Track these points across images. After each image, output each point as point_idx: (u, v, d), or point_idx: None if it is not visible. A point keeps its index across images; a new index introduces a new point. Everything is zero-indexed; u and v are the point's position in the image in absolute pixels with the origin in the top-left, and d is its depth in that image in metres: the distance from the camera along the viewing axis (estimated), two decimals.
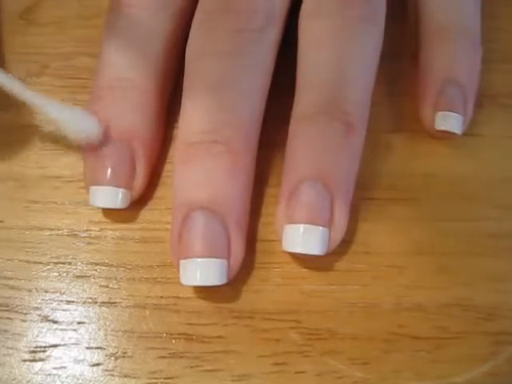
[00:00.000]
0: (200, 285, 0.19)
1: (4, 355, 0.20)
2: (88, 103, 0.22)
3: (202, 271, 0.19)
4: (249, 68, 0.20)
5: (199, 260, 0.19)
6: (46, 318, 0.20)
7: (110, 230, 0.21)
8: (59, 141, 0.23)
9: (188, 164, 0.20)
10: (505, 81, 0.24)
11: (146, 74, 0.21)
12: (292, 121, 0.21)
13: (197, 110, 0.20)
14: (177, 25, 0.22)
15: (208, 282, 0.19)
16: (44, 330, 0.20)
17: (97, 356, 0.20)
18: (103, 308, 0.20)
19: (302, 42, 0.21)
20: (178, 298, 0.20)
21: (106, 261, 0.21)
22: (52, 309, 0.20)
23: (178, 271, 0.19)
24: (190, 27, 0.21)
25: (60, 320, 0.20)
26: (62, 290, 0.21)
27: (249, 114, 0.20)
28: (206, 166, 0.20)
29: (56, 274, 0.21)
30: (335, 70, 0.20)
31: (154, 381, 0.19)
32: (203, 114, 0.20)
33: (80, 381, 0.19)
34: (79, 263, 0.21)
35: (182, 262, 0.19)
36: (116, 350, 0.20)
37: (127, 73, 0.21)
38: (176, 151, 0.21)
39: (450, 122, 0.22)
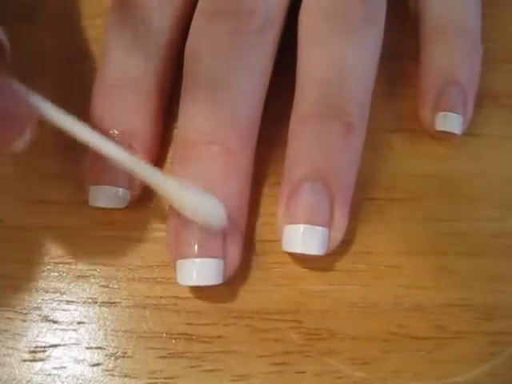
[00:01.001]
0: (196, 285, 0.19)
1: (4, 355, 0.20)
2: (90, 103, 0.22)
3: (198, 271, 0.19)
4: (247, 69, 0.21)
5: (196, 260, 0.19)
6: (45, 318, 0.20)
7: (110, 229, 0.21)
8: (59, 141, 0.23)
9: (185, 164, 0.20)
10: (505, 81, 0.24)
11: (147, 74, 0.21)
12: (292, 121, 0.21)
13: (194, 110, 0.20)
14: (177, 25, 0.22)
15: (204, 282, 0.19)
16: (44, 330, 0.20)
17: (97, 356, 0.20)
18: (103, 308, 0.20)
19: (301, 42, 0.21)
20: (178, 298, 0.20)
21: (106, 261, 0.21)
22: (52, 309, 0.20)
23: (175, 271, 0.19)
24: (189, 28, 0.21)
25: (60, 320, 0.20)
26: (62, 290, 0.21)
27: (246, 115, 0.20)
28: (202, 165, 0.20)
29: (56, 274, 0.21)
30: (335, 70, 0.20)
31: (154, 381, 0.19)
32: (201, 114, 0.20)
33: (80, 381, 0.19)
34: (79, 263, 0.21)
35: (178, 262, 0.19)
36: (116, 350, 0.20)
37: (128, 73, 0.21)
38: (175, 151, 0.21)
39: (450, 122, 0.22)
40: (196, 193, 0.19)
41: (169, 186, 0.18)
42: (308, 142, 0.20)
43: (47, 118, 0.17)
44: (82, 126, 0.18)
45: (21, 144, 0.17)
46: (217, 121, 0.20)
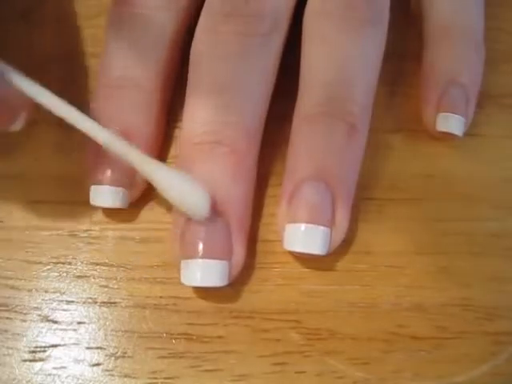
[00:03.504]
0: (200, 285, 0.19)
1: (4, 355, 0.20)
2: (90, 103, 0.22)
3: (203, 272, 0.19)
4: (253, 71, 0.21)
5: (201, 261, 0.19)
6: (46, 318, 0.20)
7: (111, 229, 0.21)
8: (59, 140, 0.23)
9: (191, 164, 0.20)
10: (505, 81, 0.24)
11: (149, 73, 0.21)
12: (295, 120, 0.21)
13: (200, 111, 0.20)
14: (180, 25, 0.22)
15: (209, 283, 0.19)
16: (44, 330, 0.20)
17: (97, 356, 0.20)
18: (103, 308, 0.20)
19: (306, 42, 0.21)
20: (178, 298, 0.20)
21: (106, 261, 0.21)
22: (52, 309, 0.20)
23: (179, 271, 0.19)
24: (193, 27, 0.21)
25: (60, 320, 0.20)
26: (62, 290, 0.21)
27: (252, 116, 0.20)
28: (209, 166, 0.20)
29: (56, 274, 0.21)
30: (339, 70, 0.20)
31: (153, 381, 0.19)
32: (207, 115, 0.20)
33: (80, 381, 0.19)
34: (79, 263, 0.21)
35: (183, 262, 0.19)
36: (116, 350, 0.20)
37: (130, 72, 0.21)
38: (179, 151, 0.21)
39: (451, 123, 0.22)
40: (183, 179, 0.19)
41: (156, 171, 0.18)
42: (311, 141, 0.20)
43: (41, 103, 0.18)
44: (73, 109, 0.18)
45: (14, 127, 0.18)
46: (222, 121, 0.20)
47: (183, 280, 0.19)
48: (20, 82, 0.17)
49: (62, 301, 0.20)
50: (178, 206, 0.19)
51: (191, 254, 0.19)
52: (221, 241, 0.19)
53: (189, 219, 0.19)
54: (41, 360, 0.20)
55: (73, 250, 0.21)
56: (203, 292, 0.20)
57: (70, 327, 0.20)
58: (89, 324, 0.20)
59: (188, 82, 0.21)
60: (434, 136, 0.23)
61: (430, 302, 0.20)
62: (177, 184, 0.18)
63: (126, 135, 0.21)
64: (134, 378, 0.19)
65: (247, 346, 0.20)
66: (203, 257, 0.19)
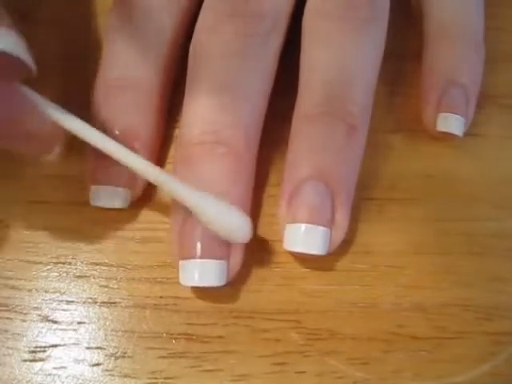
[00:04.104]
0: (198, 285, 0.19)
1: (4, 355, 0.20)
2: (90, 103, 0.22)
3: (200, 272, 0.19)
4: (252, 70, 0.21)
5: (198, 261, 0.19)
6: (46, 318, 0.20)
7: (111, 229, 0.21)
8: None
9: (190, 164, 0.20)
10: (505, 81, 0.24)
11: (149, 73, 0.21)
12: (294, 120, 0.21)
13: (199, 111, 0.20)
14: (180, 25, 0.22)
15: (207, 283, 0.19)
16: (44, 330, 0.20)
17: (97, 356, 0.20)
18: (103, 308, 0.20)
19: (305, 41, 0.21)
20: (178, 298, 0.20)
21: (106, 261, 0.21)
22: (52, 309, 0.20)
23: (178, 271, 0.19)
24: (192, 27, 0.21)
25: (60, 320, 0.20)
26: (62, 290, 0.21)
27: (251, 116, 0.20)
28: (208, 166, 0.20)
29: (56, 274, 0.21)
30: (339, 70, 0.20)
31: (153, 381, 0.19)
32: (206, 115, 0.20)
33: (80, 381, 0.19)
34: (79, 263, 0.21)
35: (181, 262, 0.19)
36: (116, 350, 0.20)
37: (130, 72, 0.21)
38: (177, 151, 0.21)
39: (451, 123, 0.22)
40: (223, 207, 0.18)
41: (193, 197, 0.18)
42: (311, 141, 0.20)
43: (74, 132, 0.18)
44: (103, 136, 0.18)
45: (49, 158, 0.18)
46: (221, 122, 0.20)
47: (181, 280, 0.19)
48: (54, 113, 0.17)
49: (61, 301, 0.20)
50: (220, 232, 0.19)
51: (189, 254, 0.19)
52: (218, 240, 0.19)
53: (186, 219, 0.19)
54: (41, 360, 0.20)
55: (73, 250, 0.21)
56: (203, 292, 0.20)
57: (70, 327, 0.20)
58: (89, 324, 0.20)
59: (187, 81, 0.21)
60: (434, 136, 0.23)
61: (429, 301, 0.20)
62: (215, 213, 0.18)
63: (126, 135, 0.21)
64: (133, 377, 0.19)
65: (247, 346, 0.20)
66: (201, 257, 0.19)
